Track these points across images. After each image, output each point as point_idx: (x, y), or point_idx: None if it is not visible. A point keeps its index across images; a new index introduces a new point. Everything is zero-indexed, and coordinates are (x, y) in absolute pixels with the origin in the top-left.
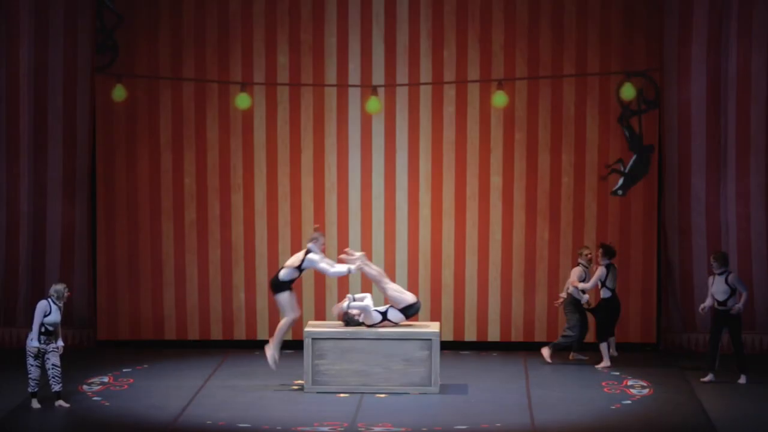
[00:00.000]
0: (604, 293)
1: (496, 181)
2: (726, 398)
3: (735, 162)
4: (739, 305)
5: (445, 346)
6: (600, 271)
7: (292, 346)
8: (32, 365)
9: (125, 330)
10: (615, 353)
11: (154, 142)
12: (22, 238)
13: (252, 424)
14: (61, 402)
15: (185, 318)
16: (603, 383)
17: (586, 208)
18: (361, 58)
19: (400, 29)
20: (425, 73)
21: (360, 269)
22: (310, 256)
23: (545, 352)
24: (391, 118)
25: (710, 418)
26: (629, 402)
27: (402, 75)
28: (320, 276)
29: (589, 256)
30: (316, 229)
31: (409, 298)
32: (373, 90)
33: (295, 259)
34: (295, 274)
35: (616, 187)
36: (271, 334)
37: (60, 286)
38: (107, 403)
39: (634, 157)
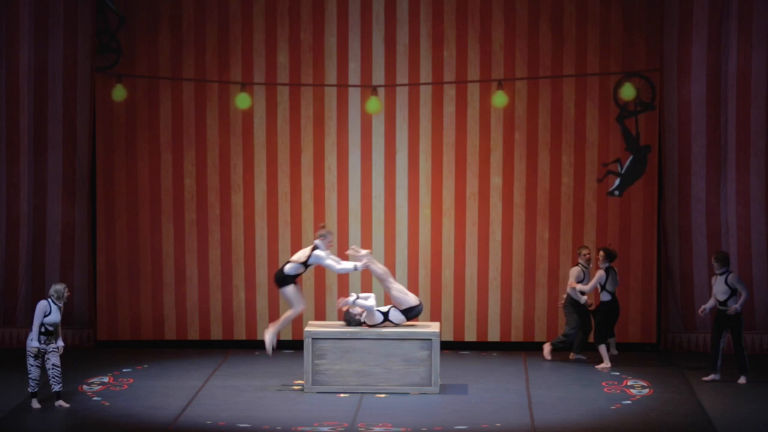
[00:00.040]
0: (604, 296)
1: (496, 181)
2: (726, 398)
3: (735, 162)
4: (736, 306)
5: (445, 346)
6: (599, 275)
7: (292, 346)
8: (32, 365)
9: (125, 330)
10: (615, 352)
11: (154, 142)
12: (22, 238)
13: (252, 424)
14: (61, 402)
15: (185, 318)
16: (603, 383)
17: (586, 208)
18: (361, 58)
19: (400, 29)
20: (425, 73)
21: (366, 266)
22: (317, 252)
23: (546, 348)
24: (391, 118)
25: (710, 418)
26: (629, 402)
27: (402, 75)
28: (321, 275)
29: (588, 255)
30: (323, 227)
31: (412, 300)
32: (373, 90)
33: (301, 255)
34: (301, 269)
35: (613, 187)
36: None
37: (60, 286)
38: (107, 403)
39: (630, 158)
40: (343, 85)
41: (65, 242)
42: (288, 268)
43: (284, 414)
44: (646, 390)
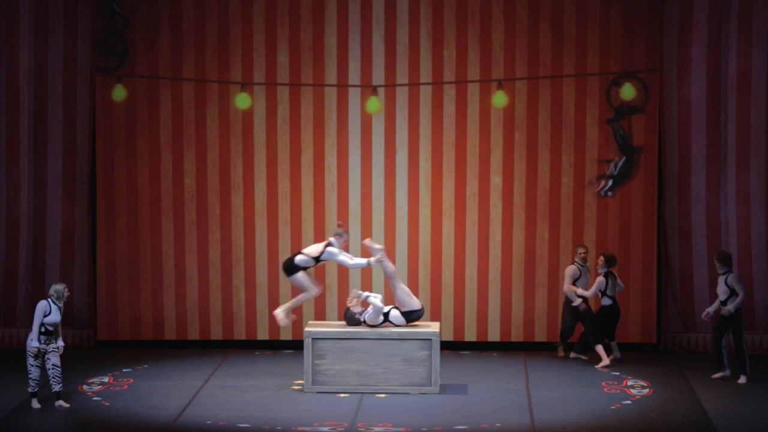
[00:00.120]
0: (605, 301)
1: (496, 181)
2: (726, 398)
3: (735, 162)
4: (730, 307)
5: (445, 346)
6: (599, 281)
7: (292, 346)
8: (32, 365)
9: (125, 330)
10: (618, 355)
11: (154, 142)
12: (22, 238)
13: (252, 424)
14: (61, 402)
15: (185, 318)
16: (603, 383)
17: (585, 208)
18: (361, 58)
19: (400, 29)
20: (425, 73)
21: (379, 262)
22: (330, 249)
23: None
24: (391, 118)
25: (710, 418)
26: (629, 402)
27: (402, 75)
28: (321, 275)
29: (584, 255)
30: (339, 225)
31: (415, 303)
32: (373, 90)
33: (314, 249)
34: (311, 263)
35: (605, 188)
36: (272, 334)
37: (60, 286)
38: (107, 403)
39: (623, 159)
40: (343, 85)
41: (65, 242)
42: (298, 259)
43: (284, 414)
44: (646, 390)
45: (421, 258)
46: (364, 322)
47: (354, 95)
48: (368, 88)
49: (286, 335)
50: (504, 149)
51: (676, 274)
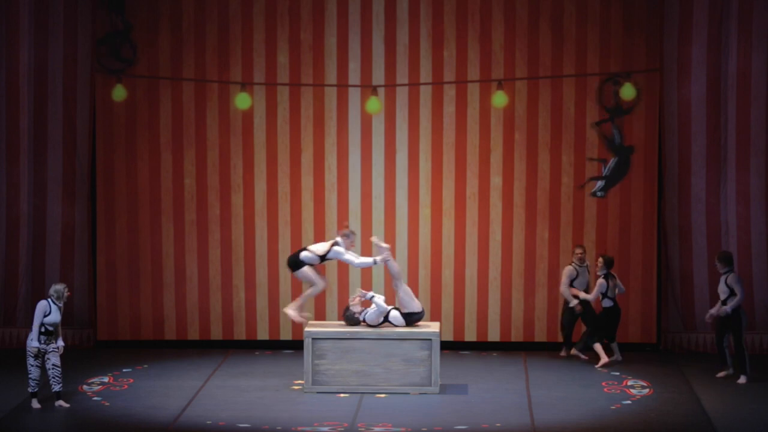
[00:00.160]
0: (606, 303)
1: (496, 181)
2: (726, 398)
3: (735, 162)
4: (727, 307)
5: (445, 346)
6: (600, 284)
7: (292, 346)
8: (32, 365)
9: (125, 330)
10: (620, 358)
11: (154, 142)
12: (22, 238)
13: (252, 424)
14: (61, 402)
15: (185, 318)
16: (603, 383)
17: (585, 208)
18: (361, 58)
19: (400, 29)
20: (425, 73)
21: (385, 261)
22: (337, 248)
23: (573, 352)
24: (391, 118)
25: (710, 418)
26: (629, 402)
27: (402, 75)
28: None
29: (581, 255)
30: (347, 226)
31: (416, 305)
32: (373, 90)
33: (320, 248)
34: (316, 260)
35: (596, 188)
36: (272, 334)
37: (60, 286)
38: (107, 403)
39: (615, 159)
40: (343, 85)
41: (65, 242)
42: (303, 256)
43: (284, 414)
44: (646, 390)
45: (421, 258)
46: (364, 321)
47: (354, 95)
48: (368, 88)
49: (286, 335)
50: (504, 149)
51: (676, 274)
